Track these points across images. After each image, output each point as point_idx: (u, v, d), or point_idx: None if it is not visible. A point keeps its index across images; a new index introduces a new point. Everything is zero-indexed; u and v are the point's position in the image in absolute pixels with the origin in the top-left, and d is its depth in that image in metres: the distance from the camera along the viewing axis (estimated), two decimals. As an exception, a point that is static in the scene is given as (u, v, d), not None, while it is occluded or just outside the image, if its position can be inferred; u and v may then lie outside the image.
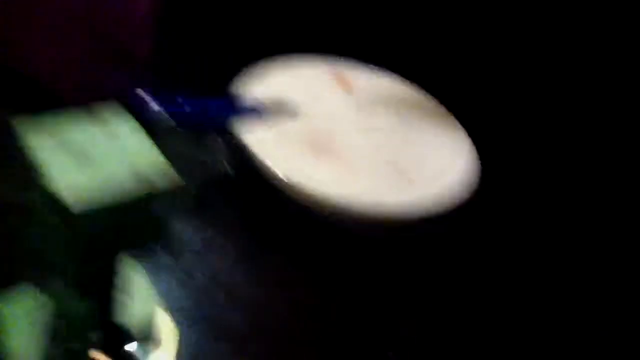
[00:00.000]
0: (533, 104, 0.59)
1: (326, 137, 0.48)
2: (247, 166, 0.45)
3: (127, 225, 0.30)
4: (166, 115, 0.43)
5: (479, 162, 0.49)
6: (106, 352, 0.32)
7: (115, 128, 0.31)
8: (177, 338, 0.36)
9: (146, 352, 0.34)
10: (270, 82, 0.51)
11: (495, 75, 0.60)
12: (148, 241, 0.32)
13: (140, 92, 0.42)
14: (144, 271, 0.35)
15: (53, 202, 0.27)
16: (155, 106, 0.41)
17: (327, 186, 0.44)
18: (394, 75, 0.55)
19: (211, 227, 0.44)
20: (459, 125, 0.52)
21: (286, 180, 0.44)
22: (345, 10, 0.63)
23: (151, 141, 0.31)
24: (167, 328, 0.36)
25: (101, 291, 0.31)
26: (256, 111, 0.47)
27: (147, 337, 0.34)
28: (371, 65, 0.55)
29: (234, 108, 0.47)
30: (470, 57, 0.61)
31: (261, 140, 0.45)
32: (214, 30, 0.59)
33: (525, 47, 0.61)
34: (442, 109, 0.53)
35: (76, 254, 0.28)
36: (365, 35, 0.61)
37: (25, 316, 0.32)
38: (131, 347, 0.33)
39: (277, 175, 0.44)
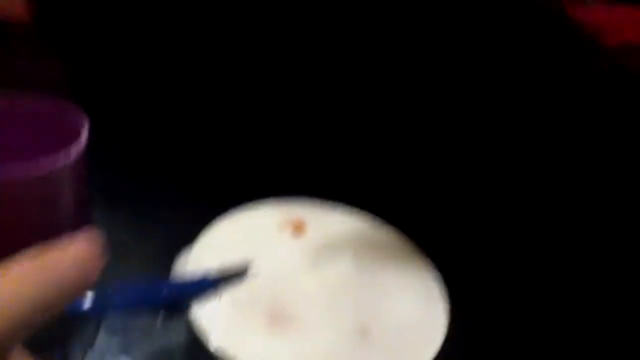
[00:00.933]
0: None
1: (281, 302, 0.42)
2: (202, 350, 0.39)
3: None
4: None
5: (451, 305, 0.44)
6: None
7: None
8: None
9: None
10: (218, 244, 0.45)
11: (463, 211, 0.58)
12: None
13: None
14: None
15: None
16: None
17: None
18: (354, 212, 0.50)
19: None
20: (430, 267, 0.46)
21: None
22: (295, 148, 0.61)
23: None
24: None
25: None
26: (206, 283, 0.41)
27: None
28: (331, 203, 0.50)
29: (181, 286, 0.42)
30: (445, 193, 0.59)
31: (212, 317, 0.40)
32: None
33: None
34: (411, 246, 0.47)
35: None
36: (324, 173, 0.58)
37: None
38: None
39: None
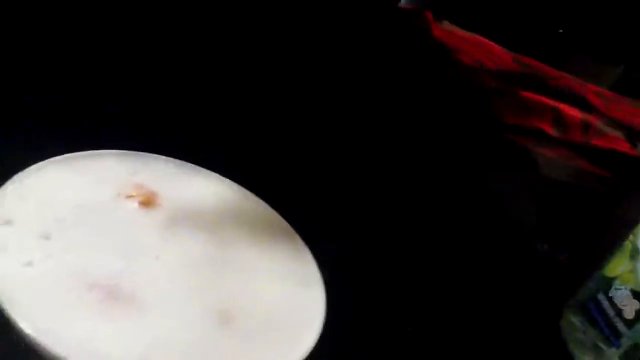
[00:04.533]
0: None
1: (117, 279, 0.33)
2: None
3: None
4: None
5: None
6: None
7: None
8: None
9: None
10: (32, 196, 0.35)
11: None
12: None
13: None
14: None
15: None
16: None
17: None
18: (219, 180, 0.42)
19: None
20: (304, 247, 0.39)
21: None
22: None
23: None
24: None
25: None
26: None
27: None
28: (185, 164, 0.42)
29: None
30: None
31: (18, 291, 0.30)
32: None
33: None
34: (281, 222, 0.40)
35: None
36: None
37: None
38: None
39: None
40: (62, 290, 0.31)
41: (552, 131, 0.69)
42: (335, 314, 0.35)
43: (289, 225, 0.40)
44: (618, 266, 0.45)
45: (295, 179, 0.51)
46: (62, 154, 0.38)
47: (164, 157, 0.41)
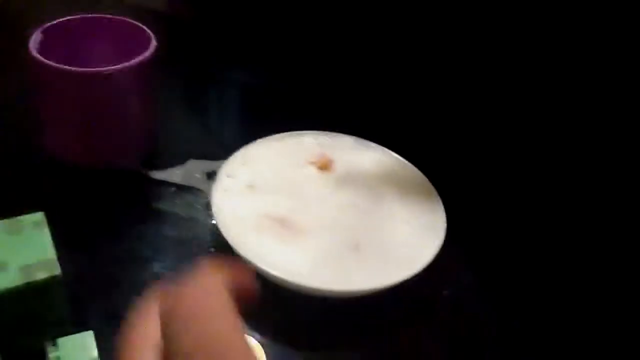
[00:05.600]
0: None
1: (291, 216, 0.47)
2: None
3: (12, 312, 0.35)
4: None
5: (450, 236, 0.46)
6: None
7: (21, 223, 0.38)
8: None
9: None
10: (250, 161, 0.51)
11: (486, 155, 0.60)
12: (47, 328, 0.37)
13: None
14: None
15: None
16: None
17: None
18: (384, 152, 0.54)
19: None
20: (439, 203, 0.49)
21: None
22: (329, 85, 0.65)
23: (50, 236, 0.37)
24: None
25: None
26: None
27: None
28: (362, 140, 0.55)
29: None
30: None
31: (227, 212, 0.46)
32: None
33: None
34: (428, 185, 0.50)
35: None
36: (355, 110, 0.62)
37: None
38: None
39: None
40: (254, 220, 0.47)
41: None
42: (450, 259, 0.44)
43: (434, 188, 0.50)
44: None
45: (451, 152, 0.59)
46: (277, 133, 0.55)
47: (346, 135, 0.55)
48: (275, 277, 0.42)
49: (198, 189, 0.53)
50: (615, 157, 0.57)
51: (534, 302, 0.48)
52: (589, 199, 0.55)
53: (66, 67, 0.47)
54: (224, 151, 0.52)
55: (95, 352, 0.36)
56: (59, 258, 0.37)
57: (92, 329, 0.37)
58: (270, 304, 0.33)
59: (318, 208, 0.49)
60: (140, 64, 0.49)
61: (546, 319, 0.47)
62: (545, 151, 0.59)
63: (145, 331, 0.24)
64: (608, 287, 0.49)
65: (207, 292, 0.24)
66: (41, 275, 0.36)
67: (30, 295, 0.36)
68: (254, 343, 0.41)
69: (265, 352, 0.40)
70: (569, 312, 0.47)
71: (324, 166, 0.53)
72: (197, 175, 0.54)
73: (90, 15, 0.55)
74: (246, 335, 0.24)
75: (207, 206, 0.49)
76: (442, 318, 0.46)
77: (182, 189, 0.53)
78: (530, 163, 0.59)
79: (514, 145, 0.60)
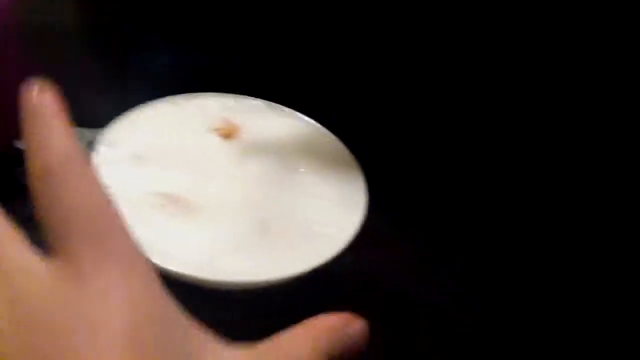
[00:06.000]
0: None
1: (189, 190, 0.40)
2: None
3: None
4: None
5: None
6: None
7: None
8: None
9: None
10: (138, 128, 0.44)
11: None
12: None
13: None
14: None
15: None
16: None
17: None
18: (297, 117, 0.47)
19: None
20: (359, 173, 0.43)
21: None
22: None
23: None
24: None
25: None
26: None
27: None
28: (273, 104, 0.48)
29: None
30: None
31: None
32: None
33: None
34: (347, 154, 0.44)
35: None
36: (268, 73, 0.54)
37: None
38: None
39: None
40: (141, 198, 0.39)
41: None
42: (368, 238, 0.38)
43: (353, 157, 0.44)
44: None
45: (372, 118, 0.53)
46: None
47: (255, 98, 0.48)
48: (167, 270, 0.35)
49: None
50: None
51: (463, 275, 0.44)
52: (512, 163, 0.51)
53: None
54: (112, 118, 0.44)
55: None
56: None
57: None
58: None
59: (220, 183, 0.42)
60: None
61: (478, 290, 0.43)
62: (470, 106, 0.54)
63: None
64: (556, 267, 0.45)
65: None
66: None
67: None
68: None
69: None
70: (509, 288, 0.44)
71: (228, 134, 0.45)
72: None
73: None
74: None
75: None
76: (371, 301, 0.41)
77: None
78: (457, 124, 0.54)
79: (442, 108, 0.55)
